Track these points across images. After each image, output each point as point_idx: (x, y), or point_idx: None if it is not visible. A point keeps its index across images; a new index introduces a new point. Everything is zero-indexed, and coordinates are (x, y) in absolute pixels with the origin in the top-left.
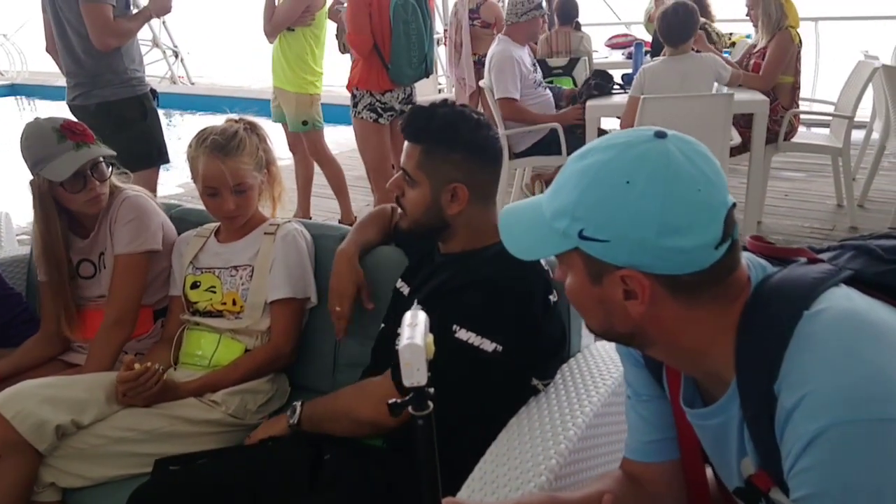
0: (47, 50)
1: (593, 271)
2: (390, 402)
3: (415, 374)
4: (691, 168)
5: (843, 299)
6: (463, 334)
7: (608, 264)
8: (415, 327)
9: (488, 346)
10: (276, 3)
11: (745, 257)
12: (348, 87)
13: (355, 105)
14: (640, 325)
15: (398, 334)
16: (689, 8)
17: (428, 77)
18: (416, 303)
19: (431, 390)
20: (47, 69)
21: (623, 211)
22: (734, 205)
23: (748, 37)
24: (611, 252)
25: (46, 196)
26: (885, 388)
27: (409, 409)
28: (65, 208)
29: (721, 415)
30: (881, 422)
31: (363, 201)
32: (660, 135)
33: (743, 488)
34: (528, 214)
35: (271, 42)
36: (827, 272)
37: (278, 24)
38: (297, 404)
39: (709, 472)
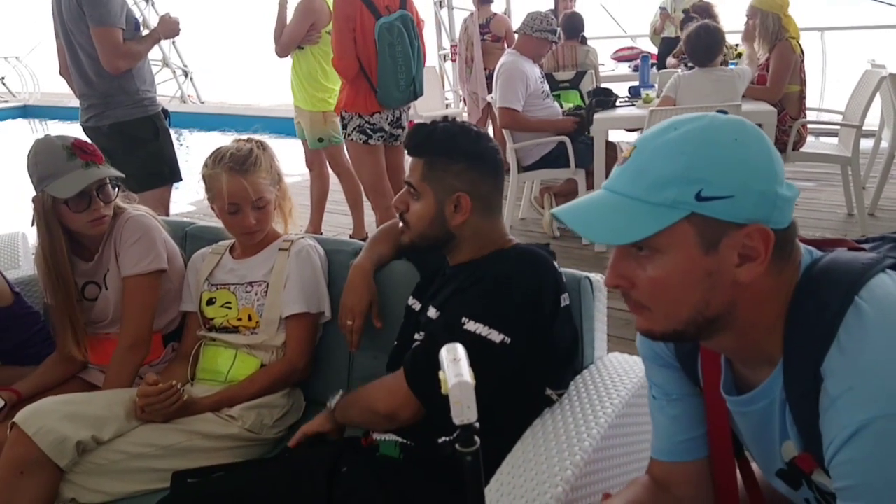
0: (61, 73)
1: (708, 238)
2: (440, 440)
3: (465, 411)
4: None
5: (894, 287)
6: (471, 325)
7: (730, 223)
8: (458, 363)
9: (496, 336)
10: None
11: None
12: (336, 109)
13: (344, 127)
14: (736, 300)
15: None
16: (711, 30)
17: (416, 99)
18: (428, 317)
19: (478, 425)
20: (59, 90)
21: (744, 164)
22: None
23: None
24: (735, 208)
25: (50, 213)
26: None
27: (457, 446)
28: (66, 228)
29: (765, 398)
30: None
31: (369, 216)
32: (723, 112)
33: (785, 470)
34: (602, 202)
35: (282, 57)
36: (874, 259)
37: (286, 44)
38: (341, 392)
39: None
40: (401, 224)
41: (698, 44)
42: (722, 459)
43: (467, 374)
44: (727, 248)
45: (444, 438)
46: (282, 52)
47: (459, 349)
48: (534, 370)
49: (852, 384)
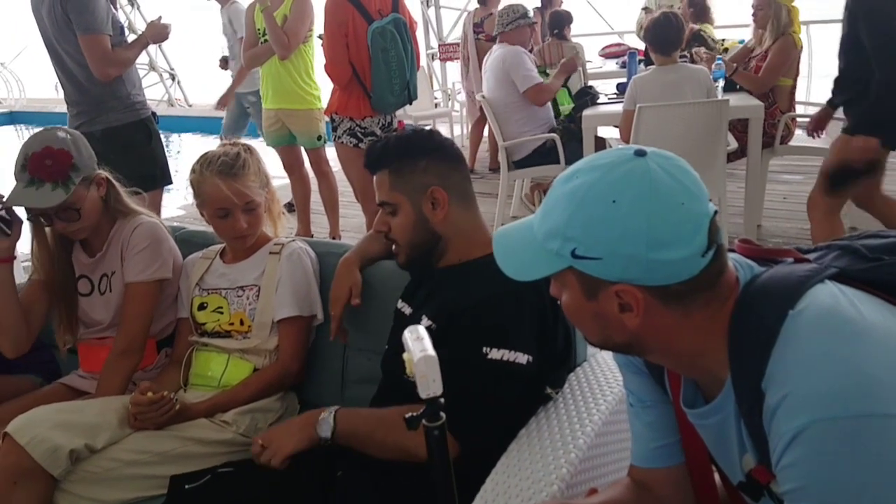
0: None
1: (588, 288)
2: (406, 416)
3: (430, 385)
4: (673, 182)
5: (827, 296)
6: (496, 353)
7: (602, 280)
8: (421, 340)
9: (522, 358)
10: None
11: (733, 259)
12: (327, 111)
13: (335, 129)
14: (636, 334)
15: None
16: (674, 18)
17: (411, 104)
18: (424, 318)
19: (443, 400)
20: (45, 96)
21: (612, 229)
22: (716, 212)
23: (741, 42)
24: (604, 269)
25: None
26: (861, 386)
27: (424, 421)
28: None
29: (719, 413)
30: (857, 418)
31: (362, 217)
32: (640, 153)
33: (745, 482)
34: (521, 236)
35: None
36: (811, 270)
37: (296, 43)
38: (330, 416)
39: (716, 474)
40: (393, 248)
41: (654, 33)
42: (698, 465)
43: (430, 349)
44: (605, 299)
45: (410, 413)
46: (289, 53)
47: (421, 329)
48: (542, 375)
49: (786, 392)
